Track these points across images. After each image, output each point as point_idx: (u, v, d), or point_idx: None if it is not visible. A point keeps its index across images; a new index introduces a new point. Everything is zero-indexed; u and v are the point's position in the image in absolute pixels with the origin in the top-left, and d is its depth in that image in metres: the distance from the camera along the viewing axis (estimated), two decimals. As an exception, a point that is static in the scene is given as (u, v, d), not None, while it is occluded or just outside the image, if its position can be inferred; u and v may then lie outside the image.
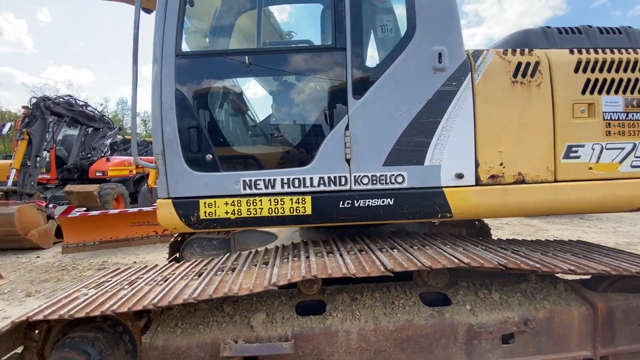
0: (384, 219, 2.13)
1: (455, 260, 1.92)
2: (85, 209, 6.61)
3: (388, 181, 2.08)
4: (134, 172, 10.00)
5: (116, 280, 2.25)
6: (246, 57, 1.89)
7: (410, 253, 2.13)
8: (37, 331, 2.06)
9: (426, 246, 2.29)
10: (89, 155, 9.01)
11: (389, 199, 2.08)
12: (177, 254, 4.73)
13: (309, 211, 2.06)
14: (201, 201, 2.02)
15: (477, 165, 2.13)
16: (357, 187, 2.07)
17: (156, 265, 2.61)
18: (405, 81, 2.06)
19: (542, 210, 2.21)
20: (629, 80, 2.23)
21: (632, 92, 2.23)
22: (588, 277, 2.52)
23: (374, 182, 2.07)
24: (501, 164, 2.14)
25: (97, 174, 8.70)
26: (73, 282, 4.70)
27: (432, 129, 2.07)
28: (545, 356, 2.19)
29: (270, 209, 2.05)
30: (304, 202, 2.05)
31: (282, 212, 2.06)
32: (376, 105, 2.05)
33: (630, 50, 2.32)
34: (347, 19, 1.99)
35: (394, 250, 2.21)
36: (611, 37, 2.45)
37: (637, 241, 6.00)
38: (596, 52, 2.26)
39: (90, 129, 9.14)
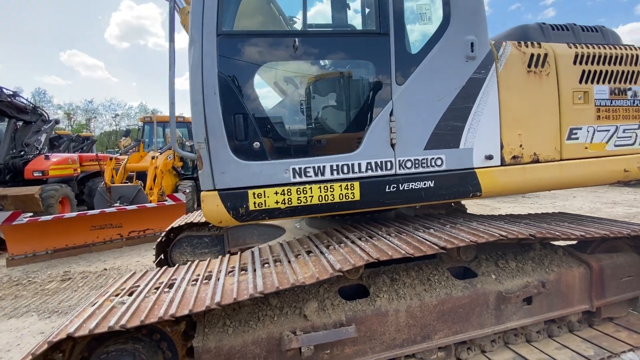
0: (424, 201, 2.24)
1: (497, 234, 2.10)
2: (31, 214, 5.72)
3: (429, 164, 2.18)
4: (79, 170, 8.88)
5: (147, 285, 2.04)
6: (295, 40, 1.81)
7: (448, 232, 2.27)
8: (60, 353, 1.80)
9: (452, 225, 2.46)
10: (22, 152, 7.76)
11: (429, 182, 2.19)
12: (163, 255, 4.40)
13: (357, 197, 2.08)
14: (250, 192, 1.91)
15: (502, 147, 2.33)
16: (402, 171, 2.14)
17: (179, 265, 2.41)
18: (442, 68, 2.16)
19: (551, 185, 2.51)
20: (612, 72, 2.61)
21: (614, 82, 2.62)
22: (574, 242, 2.94)
23: (417, 165, 2.16)
24: (520, 146, 2.37)
25: (34, 174, 7.54)
26: (37, 297, 4.10)
27: (466, 114, 2.22)
28: (555, 313, 2.52)
29: (320, 197, 2.02)
30: (352, 188, 2.06)
31: (332, 199, 2.04)
32: (417, 91, 2.12)
33: (609, 46, 2.71)
34: (390, 5, 2.02)
35: (430, 230, 2.34)
36: (590, 35, 2.83)
37: (609, 205, 7.33)
38: (587, 47, 2.60)
39: (20, 123, 7.85)
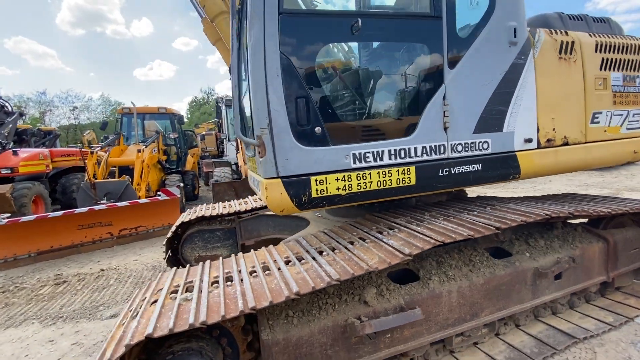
0: (471, 184, 2.30)
1: (542, 214, 2.21)
2: (8, 215, 5.20)
3: (477, 148, 2.23)
4: (50, 166, 8.18)
5: (201, 281, 1.94)
6: (358, 20, 1.75)
7: (493, 214, 2.35)
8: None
9: (492, 207, 2.55)
10: (-16, 148, 7.01)
11: (477, 165, 2.24)
12: (171, 252, 4.20)
13: (413, 181, 2.09)
14: (312, 178, 1.86)
15: (538, 130, 2.43)
16: (453, 154, 2.17)
17: (223, 259, 2.31)
18: (489, 53, 2.21)
19: (577, 167, 2.67)
20: (624, 60, 2.79)
21: (626, 69, 2.81)
22: (586, 220, 3.16)
23: (467, 149, 2.20)
24: (554, 129, 2.49)
25: (2, 172, 6.86)
26: (33, 304, 3.77)
27: (509, 99, 2.29)
28: (580, 285, 2.71)
29: (379, 182, 2.01)
30: (409, 173, 2.07)
31: (390, 184, 2.04)
32: (467, 75, 2.15)
33: (619, 36, 2.89)
34: None
35: (474, 212, 2.41)
36: (601, 25, 3.00)
37: (583, 188, 7.94)
38: (603, 36, 2.76)
39: (-20, 115, 7.08)
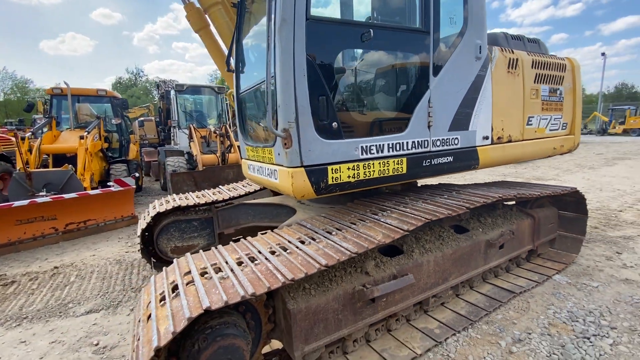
0: (444, 173, 2.78)
1: (497, 196, 2.79)
2: None
3: (450, 143, 2.71)
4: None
5: (226, 262, 2.08)
6: (369, 30, 2.02)
7: (460, 197, 2.88)
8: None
9: (457, 192, 3.09)
10: None
11: (450, 157, 2.73)
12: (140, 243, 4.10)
13: (404, 170, 2.48)
14: (329, 167, 2.12)
15: (492, 129, 3.02)
16: (434, 148, 2.62)
17: (235, 243, 2.45)
18: (461, 65, 2.68)
19: (516, 160, 3.36)
20: (550, 75, 3.55)
21: (550, 83, 3.58)
22: (513, 202, 3.95)
23: (443, 144, 2.67)
24: (502, 129, 3.11)
25: None
26: (-17, 307, 3.37)
27: (473, 104, 2.80)
28: (515, 252, 3.44)
29: (379, 171, 2.35)
30: (401, 163, 2.45)
31: (388, 172, 2.40)
32: (446, 82, 2.59)
33: (547, 55, 3.66)
34: (431, 7, 2.40)
35: (444, 196, 2.92)
36: (533, 45, 3.75)
37: (501, 177, 9.15)
38: (536, 55, 3.47)
39: None
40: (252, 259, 2.10)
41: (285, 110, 1.96)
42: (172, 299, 1.76)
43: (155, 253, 4.07)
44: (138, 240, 3.75)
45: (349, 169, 2.21)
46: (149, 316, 1.77)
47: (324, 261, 1.92)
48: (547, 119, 3.56)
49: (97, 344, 2.76)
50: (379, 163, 2.34)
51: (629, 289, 3.18)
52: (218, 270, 1.99)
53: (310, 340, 2.12)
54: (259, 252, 2.19)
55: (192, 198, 4.23)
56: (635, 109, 25.58)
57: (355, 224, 2.43)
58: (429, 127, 2.54)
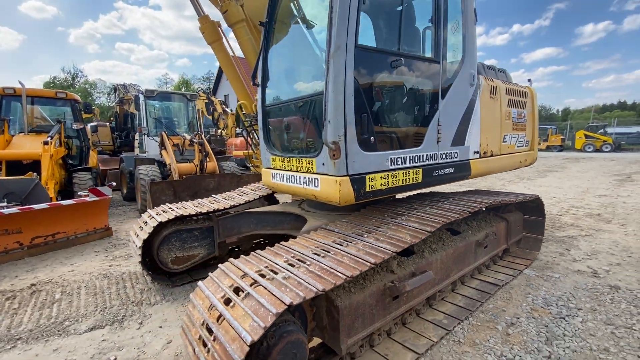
0: (446, 182, 3.20)
1: (488, 202, 3.27)
2: None
3: (452, 156, 3.15)
4: None
5: (276, 264, 2.22)
6: (400, 58, 2.35)
7: (459, 204, 3.31)
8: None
9: (453, 199, 3.54)
10: None
11: (452, 168, 3.16)
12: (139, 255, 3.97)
13: (420, 180, 2.84)
14: (367, 176, 2.38)
15: (480, 146, 3.54)
16: (441, 160, 3.02)
17: (278, 247, 2.58)
18: (460, 91, 3.14)
19: (494, 171, 3.93)
20: (517, 100, 4.24)
21: (517, 107, 4.26)
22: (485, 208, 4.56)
23: (447, 157, 3.09)
24: (487, 145, 3.65)
25: None
26: (-40, 331, 3.00)
27: (468, 123, 3.29)
28: (495, 251, 3.99)
29: (403, 180, 2.67)
30: (418, 173, 2.80)
31: (408, 181, 2.73)
32: (450, 104, 3.03)
33: (513, 83, 4.35)
34: (441, 39, 2.82)
35: (444, 202, 3.34)
36: (502, 74, 4.44)
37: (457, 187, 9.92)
38: (507, 83, 4.13)
39: None
40: (301, 261, 2.26)
41: (336, 125, 2.19)
42: (243, 299, 1.87)
43: (150, 265, 3.95)
44: (138, 252, 3.61)
45: (381, 177, 2.50)
46: (218, 318, 1.86)
47: (372, 260, 2.17)
48: (516, 137, 4.23)
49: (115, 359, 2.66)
50: (403, 173, 2.67)
51: (583, 278, 3.87)
52: (273, 271, 2.12)
53: (352, 334, 2.33)
54: (303, 254, 2.36)
55: (191, 207, 4.20)
56: (555, 128, 29.80)
57: (381, 228, 2.71)
58: (437, 142, 2.95)
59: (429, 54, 2.82)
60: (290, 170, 2.73)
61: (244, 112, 3.64)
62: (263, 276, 2.07)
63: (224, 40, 3.51)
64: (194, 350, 1.91)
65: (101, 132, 12.81)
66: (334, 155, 2.24)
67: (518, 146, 4.32)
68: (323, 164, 2.35)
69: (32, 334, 2.98)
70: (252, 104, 3.61)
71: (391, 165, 2.58)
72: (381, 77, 2.52)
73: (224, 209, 4.17)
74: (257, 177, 7.54)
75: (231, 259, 2.38)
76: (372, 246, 2.38)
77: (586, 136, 25.93)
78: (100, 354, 2.73)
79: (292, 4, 3.22)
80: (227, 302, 1.93)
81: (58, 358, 2.68)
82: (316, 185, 2.47)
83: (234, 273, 2.17)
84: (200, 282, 2.22)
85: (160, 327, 3.10)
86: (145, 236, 3.64)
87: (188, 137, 7.78)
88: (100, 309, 3.40)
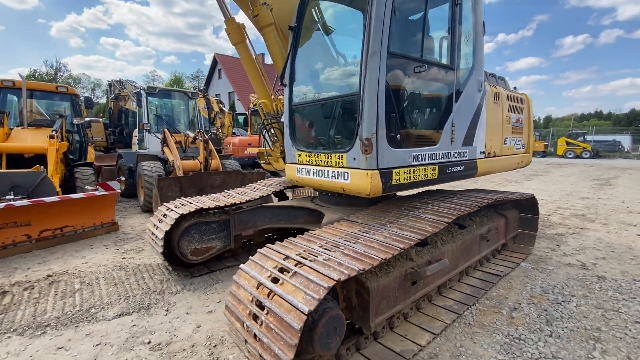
0: (457, 179, 3.47)
1: (494, 198, 3.56)
2: None
3: (462, 156, 3.42)
4: None
5: (313, 249, 2.42)
6: (424, 65, 2.60)
7: (468, 199, 3.59)
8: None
9: (460, 195, 3.82)
10: None
11: (461, 166, 3.43)
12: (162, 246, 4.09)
13: (436, 176, 3.09)
14: (393, 170, 2.61)
15: (485, 147, 3.84)
16: (454, 159, 3.29)
17: (298, 237, 2.76)
18: (470, 96, 3.42)
19: (497, 171, 4.24)
20: (515, 106, 4.58)
21: (516, 112, 4.60)
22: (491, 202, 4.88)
23: (458, 156, 3.36)
24: (491, 147, 3.95)
25: None
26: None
27: (476, 125, 3.57)
28: (495, 245, 4.29)
29: (422, 175, 2.91)
30: (435, 170, 3.06)
31: (427, 176, 2.97)
32: (462, 107, 3.30)
33: (512, 90, 4.70)
34: (456, 48, 3.09)
35: (453, 198, 3.61)
36: (501, 82, 4.77)
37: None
38: (507, 90, 4.46)
39: None
40: (335, 246, 2.47)
41: (369, 123, 2.41)
42: (291, 277, 2.06)
43: (167, 256, 4.06)
44: (160, 243, 3.72)
45: (404, 172, 2.74)
46: (269, 294, 2.04)
47: (401, 245, 2.40)
48: (514, 140, 4.56)
49: (149, 342, 2.78)
50: (422, 169, 2.92)
51: (574, 270, 4.21)
52: (313, 254, 2.32)
53: (378, 314, 2.55)
54: (335, 241, 2.56)
55: (208, 201, 4.33)
56: (538, 135, 31.01)
57: (401, 219, 2.95)
58: (451, 142, 3.22)
59: (444, 62, 3.09)
60: (318, 165, 2.93)
61: (264, 110, 3.82)
62: (305, 258, 2.26)
63: (247, 41, 3.69)
64: (244, 325, 2.09)
65: (94, 128, 12.64)
66: (366, 150, 2.46)
67: (516, 148, 4.66)
68: (354, 159, 2.57)
69: (60, 321, 3.06)
70: (272, 103, 3.80)
71: (413, 161, 2.82)
72: (407, 80, 2.76)
73: (240, 203, 4.31)
74: (260, 176, 7.69)
75: (268, 245, 2.56)
76: (397, 234, 2.61)
77: (567, 143, 27.12)
78: (133, 337, 2.85)
79: (313, 11, 3.43)
80: (275, 280, 2.12)
81: (92, 341, 2.79)
82: (346, 178, 2.68)
83: (276, 256, 2.35)
84: (242, 265, 2.39)
85: (187, 313, 3.24)
86: (168, 228, 3.76)
87: (191, 134, 7.85)
88: (124, 298, 3.50)
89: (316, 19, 3.51)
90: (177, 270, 4.02)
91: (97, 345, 2.74)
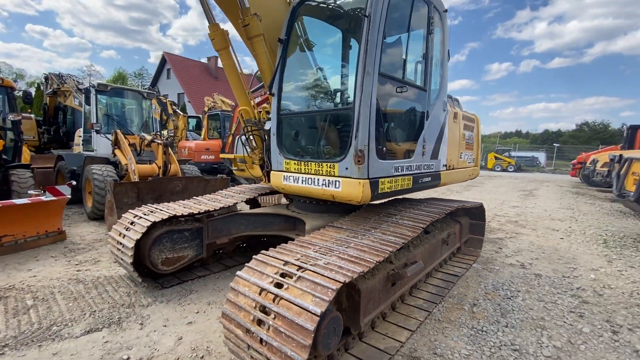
0: (425, 189, 3.85)
1: (455, 206, 4.01)
2: None
3: (430, 168, 3.81)
4: None
5: (311, 255, 2.53)
6: (405, 85, 2.88)
7: (435, 208, 3.98)
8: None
9: (427, 204, 4.21)
10: None
11: (430, 177, 3.82)
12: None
13: (410, 185, 3.41)
14: (380, 180, 2.84)
15: (446, 160, 4.31)
16: (424, 170, 3.65)
17: (290, 243, 2.85)
18: (437, 114, 3.84)
19: (454, 182, 4.74)
20: (468, 125, 5.19)
21: (468, 130, 5.21)
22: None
23: (427, 168, 3.73)
24: (450, 160, 4.44)
25: None
26: None
27: (440, 141, 4.01)
28: (453, 248, 4.78)
29: (400, 185, 3.20)
30: (410, 180, 3.37)
31: (403, 186, 3.27)
32: (431, 125, 3.69)
33: (464, 111, 5.32)
34: (428, 72, 3.48)
35: (422, 206, 3.98)
36: (456, 103, 5.38)
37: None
38: (462, 110, 5.05)
39: None
40: (329, 251, 2.61)
41: (363, 136, 2.62)
42: (296, 281, 2.15)
43: (147, 266, 3.82)
44: (130, 252, 3.51)
45: (388, 182, 3.00)
46: (274, 299, 2.11)
47: (390, 249, 2.62)
48: (467, 154, 5.16)
49: (128, 358, 2.63)
50: (401, 179, 3.21)
51: (515, 269, 4.86)
52: (311, 259, 2.43)
53: (366, 314, 2.74)
54: (327, 246, 2.70)
55: (179, 208, 4.20)
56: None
57: (382, 225, 3.20)
58: (422, 155, 3.58)
59: (419, 84, 3.46)
60: (308, 173, 3.06)
61: (244, 117, 3.85)
62: (305, 263, 2.36)
63: (231, 48, 3.71)
64: (247, 331, 2.12)
65: (25, 125, 11.12)
66: (358, 161, 2.66)
67: (468, 162, 5.26)
68: (346, 168, 2.76)
69: (19, 340, 2.74)
70: (253, 110, 3.85)
71: (394, 172, 3.10)
72: (391, 99, 3.05)
73: (214, 210, 4.23)
74: (224, 182, 7.51)
75: (263, 252, 2.60)
76: (382, 239, 2.84)
77: (495, 158, 30.54)
78: (108, 354, 2.67)
79: (297, 26, 3.59)
80: (279, 285, 2.19)
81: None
82: (337, 186, 2.85)
83: (275, 262, 2.41)
84: (239, 272, 2.41)
85: (165, 325, 3.11)
86: (138, 236, 3.57)
87: (148, 137, 7.41)
88: (89, 313, 3.23)
89: (299, 33, 3.67)
90: (145, 281, 3.80)
91: (67, 365, 2.52)
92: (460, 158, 4.84)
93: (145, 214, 3.92)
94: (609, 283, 4.41)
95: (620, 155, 7.71)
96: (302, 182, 3.12)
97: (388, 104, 3.03)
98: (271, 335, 1.98)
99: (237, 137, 5.96)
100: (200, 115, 16.85)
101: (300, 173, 3.13)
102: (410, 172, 3.39)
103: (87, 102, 7.65)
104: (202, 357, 2.67)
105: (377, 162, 2.83)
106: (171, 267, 3.94)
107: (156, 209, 4.13)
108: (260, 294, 2.19)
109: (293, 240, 2.79)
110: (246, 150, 4.12)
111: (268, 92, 3.28)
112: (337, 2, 3.59)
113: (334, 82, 3.74)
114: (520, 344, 2.96)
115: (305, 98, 3.50)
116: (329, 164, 2.90)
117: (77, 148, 8.93)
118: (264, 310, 2.11)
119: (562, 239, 6.66)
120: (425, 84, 3.52)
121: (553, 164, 33.50)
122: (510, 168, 29.55)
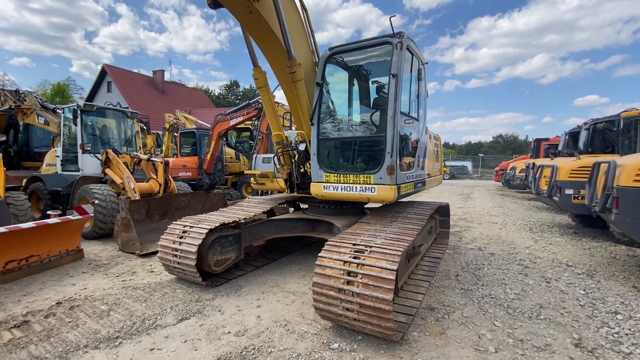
0: (417, 192, 5.13)
1: (437, 205, 5.38)
2: None
3: (421, 176, 5.12)
4: None
5: (358, 244, 3.56)
6: (413, 119, 4.11)
7: (426, 208, 5.28)
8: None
9: (419, 205, 5.51)
10: None
11: (421, 184, 5.13)
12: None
13: (412, 189, 4.65)
14: (401, 186, 4.02)
15: (428, 170, 5.70)
16: (418, 178, 4.94)
17: (334, 234, 3.85)
18: (423, 137, 5.20)
19: (430, 186, 6.16)
20: (436, 143, 6.72)
21: (436, 147, 6.75)
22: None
23: (419, 176, 5.04)
24: (429, 170, 5.85)
25: None
26: (45, 342, 3.00)
27: (424, 156, 5.38)
28: (433, 237, 6.15)
29: (409, 189, 4.41)
30: (412, 186, 4.62)
31: (410, 190, 4.49)
32: (420, 145, 5.02)
33: (432, 133, 6.87)
34: (419, 106, 4.80)
35: (414, 206, 5.26)
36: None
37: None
38: (429, 132, 6.57)
39: None
40: (375, 236, 3.66)
41: (393, 155, 3.77)
42: (369, 253, 3.17)
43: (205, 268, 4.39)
44: (193, 256, 4.13)
45: (404, 187, 4.18)
46: (358, 265, 3.10)
47: (414, 232, 3.78)
48: (436, 165, 6.66)
49: (229, 332, 3.34)
50: (410, 185, 4.42)
51: (476, 252, 6.41)
52: (369, 239, 3.46)
53: (399, 281, 3.84)
54: (371, 233, 3.76)
55: (221, 217, 4.89)
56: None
57: (398, 220, 4.36)
58: (417, 167, 4.87)
59: (415, 116, 4.78)
60: (347, 183, 4.10)
61: (277, 141, 4.77)
62: (368, 242, 3.39)
63: (269, 86, 4.64)
64: (340, 290, 3.07)
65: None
66: (390, 172, 3.79)
67: (437, 171, 6.78)
68: (381, 178, 3.86)
69: (126, 334, 3.25)
70: (284, 134, 4.79)
71: (407, 180, 4.31)
72: (404, 129, 4.28)
73: (251, 217, 5.00)
74: (222, 197, 8.08)
75: (332, 238, 3.56)
76: (406, 227, 3.99)
77: (433, 167, 34.48)
78: (212, 332, 3.34)
79: (326, 72, 4.67)
80: (356, 257, 3.18)
81: (179, 339, 3.16)
82: (373, 191, 3.93)
83: (344, 245, 3.39)
84: (321, 254, 3.33)
85: (240, 310, 3.82)
86: (199, 242, 4.22)
87: (144, 156, 7.69)
88: (168, 309, 3.79)
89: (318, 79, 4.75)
90: (204, 281, 4.38)
91: (184, 342, 3.15)
92: (433, 168, 6.30)
93: (196, 223, 4.54)
94: (539, 255, 6.15)
95: (534, 163, 10.09)
96: (341, 190, 4.15)
97: (402, 131, 4.26)
98: (361, 288, 2.96)
99: (255, 155, 6.72)
100: (161, 132, 16.58)
101: (340, 183, 4.16)
102: (413, 180, 4.64)
103: (74, 122, 7.65)
104: (285, 325, 3.49)
105: (400, 173, 4.00)
106: (220, 267, 4.60)
107: (203, 218, 4.76)
108: (344, 264, 3.16)
109: (315, 240, 3.82)
110: (276, 167, 5.01)
111: (310, 122, 4.28)
112: (360, 58, 4.74)
113: (361, 115, 4.90)
114: (494, 294, 4.32)
115: (337, 127, 4.57)
116: (365, 175, 3.99)
117: (51, 169, 8.65)
118: (350, 274, 3.08)
119: (501, 229, 8.58)
120: (418, 116, 4.85)
121: (479, 172, 38.78)
122: (446, 176, 33.57)
